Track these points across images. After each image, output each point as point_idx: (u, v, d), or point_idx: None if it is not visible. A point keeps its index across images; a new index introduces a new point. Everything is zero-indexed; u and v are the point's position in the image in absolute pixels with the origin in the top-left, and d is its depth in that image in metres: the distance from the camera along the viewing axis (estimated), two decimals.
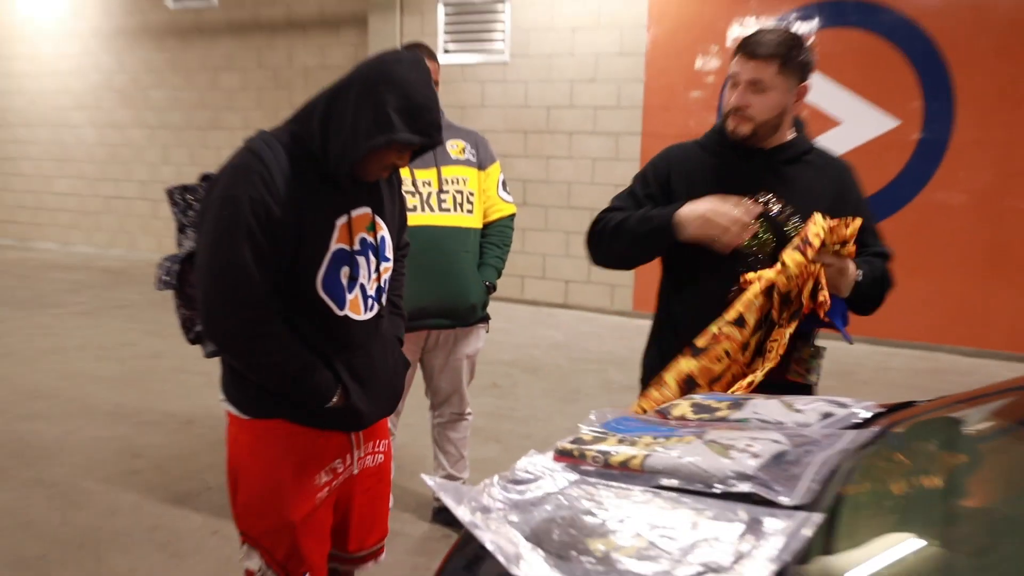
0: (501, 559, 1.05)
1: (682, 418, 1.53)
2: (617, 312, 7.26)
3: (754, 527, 1.07)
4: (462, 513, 1.14)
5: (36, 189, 10.62)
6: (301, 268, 1.72)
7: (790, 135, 2.06)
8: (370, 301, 1.86)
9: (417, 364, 2.99)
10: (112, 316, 6.82)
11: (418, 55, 1.72)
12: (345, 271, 1.78)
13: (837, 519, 1.09)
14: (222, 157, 1.80)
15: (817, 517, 1.06)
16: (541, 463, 1.33)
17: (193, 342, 1.99)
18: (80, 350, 5.70)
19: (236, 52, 8.91)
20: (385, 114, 1.63)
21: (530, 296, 7.65)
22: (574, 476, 1.30)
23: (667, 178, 2.07)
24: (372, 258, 1.85)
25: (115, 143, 9.94)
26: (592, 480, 1.28)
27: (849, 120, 6.22)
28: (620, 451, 1.34)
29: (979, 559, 1.02)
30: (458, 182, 2.81)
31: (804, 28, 6.23)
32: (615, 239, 2.04)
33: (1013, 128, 5.78)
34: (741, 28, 6.45)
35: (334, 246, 1.75)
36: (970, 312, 6.05)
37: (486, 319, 3.01)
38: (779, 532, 1.05)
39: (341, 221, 1.77)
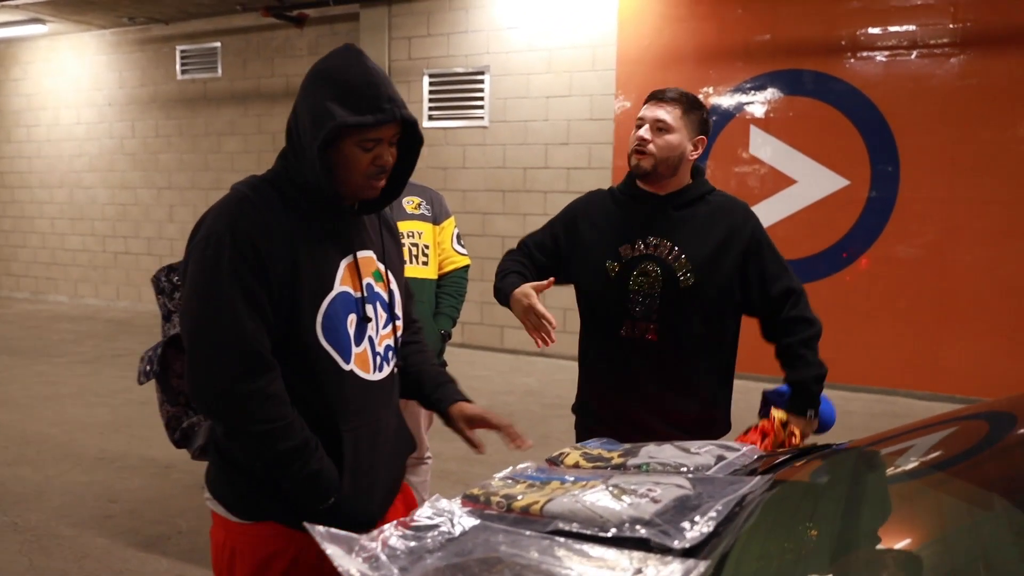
0: None
1: (576, 466, 1.43)
2: None
3: (640, 574, 0.97)
4: (348, 564, 1.04)
5: (51, 246, 10.56)
6: (299, 312, 1.41)
7: (687, 182, 2.06)
8: (378, 359, 1.53)
9: None
10: (110, 364, 6.69)
11: (348, 45, 1.46)
12: (352, 319, 1.47)
13: (725, 566, 0.99)
14: None
15: (703, 565, 0.97)
16: (444, 508, 1.24)
17: (179, 444, 1.66)
18: (75, 397, 5.57)
19: (238, 119, 8.95)
20: (322, 107, 1.38)
21: (509, 345, 7.55)
22: (475, 521, 1.20)
23: (574, 221, 2.13)
24: (380, 311, 1.55)
25: (125, 202, 9.91)
26: (492, 526, 1.18)
27: (803, 180, 6.22)
28: (523, 496, 1.25)
29: None
30: (413, 235, 2.75)
31: (760, 96, 6.28)
32: (496, 286, 2.12)
33: (954, 187, 5.78)
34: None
35: (338, 288, 1.45)
36: (922, 358, 5.97)
37: (443, 366, 2.92)
38: None
39: (346, 261, 1.48)
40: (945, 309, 5.88)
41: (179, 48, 9.25)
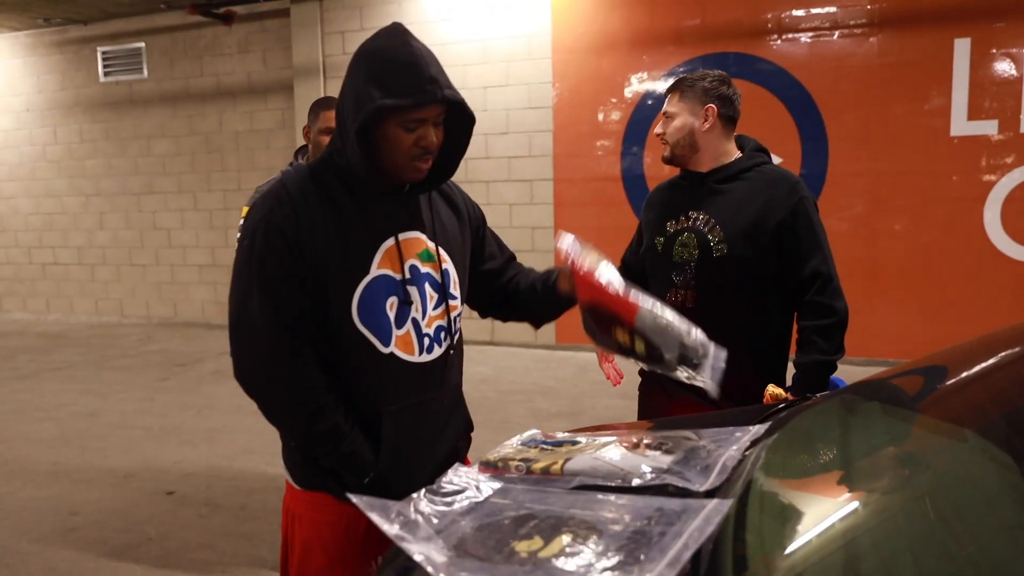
0: (430, 569, 0.99)
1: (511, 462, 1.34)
2: (542, 346, 7.24)
3: (669, 517, 1.04)
4: (389, 528, 1.07)
5: None
6: (333, 298, 1.43)
7: (731, 157, 2.11)
8: (427, 341, 1.52)
9: None
10: (49, 379, 6.44)
11: (395, 24, 1.43)
12: (392, 302, 1.47)
13: (747, 504, 1.06)
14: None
15: (727, 504, 1.04)
16: (466, 474, 1.28)
17: None
18: (16, 413, 5.35)
19: (168, 120, 8.69)
20: (363, 89, 1.36)
21: None
22: (498, 485, 1.25)
23: (644, 214, 2.35)
24: (430, 292, 1.53)
25: (50, 211, 9.52)
26: (516, 487, 1.23)
27: None
28: (541, 459, 1.30)
29: (886, 536, 1.01)
30: None
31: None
32: None
33: (878, 161, 6.06)
34: (636, 82, 6.63)
35: (375, 271, 1.45)
36: (853, 324, 6.22)
37: None
38: (692, 520, 1.02)
39: (387, 244, 1.47)
40: (872, 278, 6.17)
41: (100, 49, 8.92)
